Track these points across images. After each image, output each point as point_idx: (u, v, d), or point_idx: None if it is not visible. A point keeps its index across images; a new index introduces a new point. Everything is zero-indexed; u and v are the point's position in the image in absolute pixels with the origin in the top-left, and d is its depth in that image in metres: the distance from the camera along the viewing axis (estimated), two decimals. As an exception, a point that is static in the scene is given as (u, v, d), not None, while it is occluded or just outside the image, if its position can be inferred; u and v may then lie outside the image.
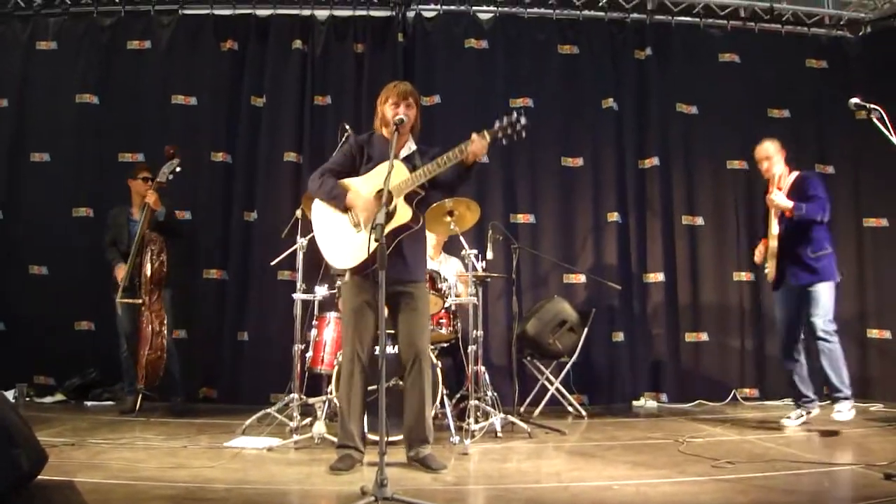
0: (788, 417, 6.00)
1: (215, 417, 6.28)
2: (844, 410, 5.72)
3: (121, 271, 6.51)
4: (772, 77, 8.22)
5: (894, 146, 4.18)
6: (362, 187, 4.33)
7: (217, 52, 7.85)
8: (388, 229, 3.95)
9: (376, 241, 3.47)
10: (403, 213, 4.22)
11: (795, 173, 6.06)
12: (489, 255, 6.10)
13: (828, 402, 6.11)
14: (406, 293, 4.36)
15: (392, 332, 4.54)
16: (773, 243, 5.98)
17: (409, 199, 4.27)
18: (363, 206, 4.25)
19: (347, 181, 4.39)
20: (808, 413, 6.00)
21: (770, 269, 6.03)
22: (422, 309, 4.42)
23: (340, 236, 4.36)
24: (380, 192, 3.99)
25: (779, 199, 5.83)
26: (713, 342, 7.83)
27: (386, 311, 4.44)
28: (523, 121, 4.14)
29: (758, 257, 6.27)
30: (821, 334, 5.77)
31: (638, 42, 8.22)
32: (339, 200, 4.32)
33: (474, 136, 4.17)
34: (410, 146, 4.48)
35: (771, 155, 6.05)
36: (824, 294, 5.82)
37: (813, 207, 5.74)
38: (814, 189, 5.86)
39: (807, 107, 8.20)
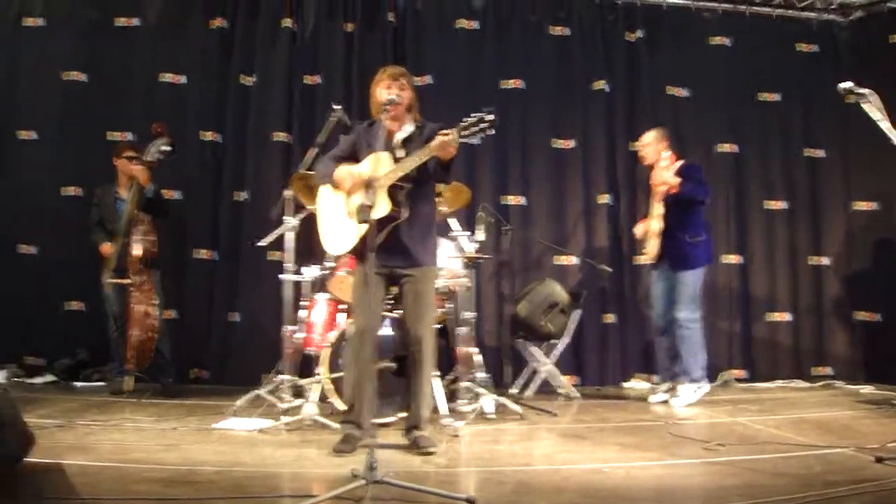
0: (656, 393, 6.45)
1: (206, 398, 6.27)
2: (686, 394, 6.17)
3: (106, 249, 6.46)
4: (762, 61, 8.23)
5: (883, 131, 4.18)
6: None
7: (205, 29, 7.72)
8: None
9: (362, 222, 3.42)
10: (383, 207, 4.18)
11: (681, 162, 6.39)
12: (480, 236, 6.10)
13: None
14: (409, 276, 4.35)
15: (395, 316, 4.54)
16: (657, 224, 6.29)
17: (394, 192, 4.24)
18: (346, 176, 4.29)
19: (342, 167, 4.40)
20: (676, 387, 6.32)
21: (652, 249, 6.37)
22: (423, 292, 4.38)
23: (335, 223, 4.41)
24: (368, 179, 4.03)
25: (666, 175, 6.22)
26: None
27: (393, 293, 4.49)
28: (490, 117, 3.98)
29: (639, 233, 6.64)
30: (682, 323, 6.20)
31: (629, 24, 8.17)
32: (329, 177, 4.38)
33: (441, 132, 4.05)
34: (408, 128, 4.45)
35: (650, 142, 6.50)
36: (690, 282, 6.24)
37: (696, 188, 6.22)
38: (696, 174, 6.32)
39: (797, 91, 8.26)
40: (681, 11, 8.32)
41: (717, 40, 8.27)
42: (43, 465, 3.64)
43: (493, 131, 4.04)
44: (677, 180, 6.17)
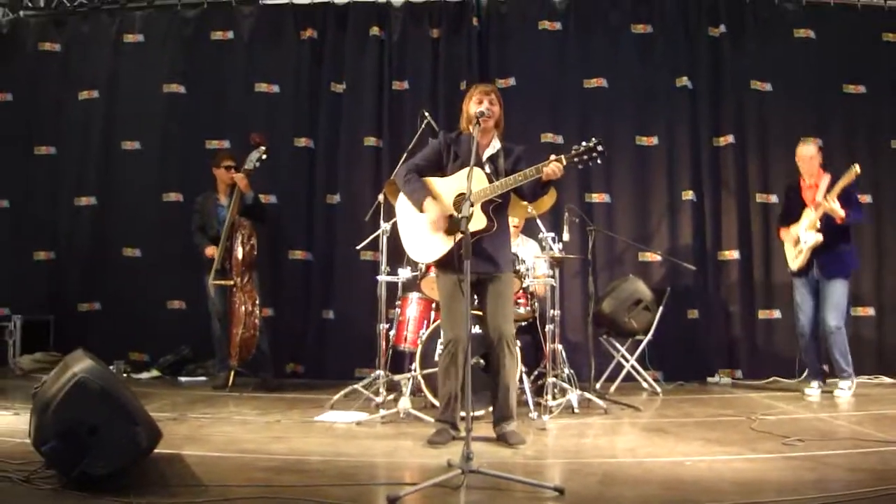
0: (811, 387, 6.57)
1: (303, 392, 6.62)
2: (846, 389, 6.41)
3: (210, 250, 6.82)
4: (847, 52, 8.06)
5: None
6: (444, 189, 4.55)
7: (297, 40, 8.10)
8: None
9: (461, 232, 3.65)
10: (478, 221, 4.38)
11: (827, 175, 6.44)
12: (566, 236, 6.21)
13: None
14: (491, 280, 4.54)
15: (479, 313, 4.75)
16: (814, 237, 6.35)
17: (484, 206, 4.45)
18: (434, 217, 4.47)
19: (431, 181, 4.60)
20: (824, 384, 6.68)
21: (802, 260, 6.49)
22: (506, 294, 4.60)
23: (420, 232, 4.60)
24: (450, 216, 4.36)
25: (836, 207, 6.18)
26: (786, 319, 7.70)
27: (475, 297, 4.71)
28: (600, 148, 4.28)
29: (788, 239, 6.68)
30: (833, 329, 6.38)
31: (712, 19, 8.11)
32: (417, 201, 4.55)
33: (552, 158, 4.30)
34: (495, 144, 4.65)
35: (814, 155, 6.55)
36: (840, 290, 6.42)
37: (857, 213, 6.37)
38: (855, 195, 6.41)
39: (884, 82, 8.07)
40: (764, 4, 8.19)
41: (802, 33, 8.12)
42: (164, 455, 3.93)
43: (600, 161, 4.33)
44: (843, 213, 6.17)
